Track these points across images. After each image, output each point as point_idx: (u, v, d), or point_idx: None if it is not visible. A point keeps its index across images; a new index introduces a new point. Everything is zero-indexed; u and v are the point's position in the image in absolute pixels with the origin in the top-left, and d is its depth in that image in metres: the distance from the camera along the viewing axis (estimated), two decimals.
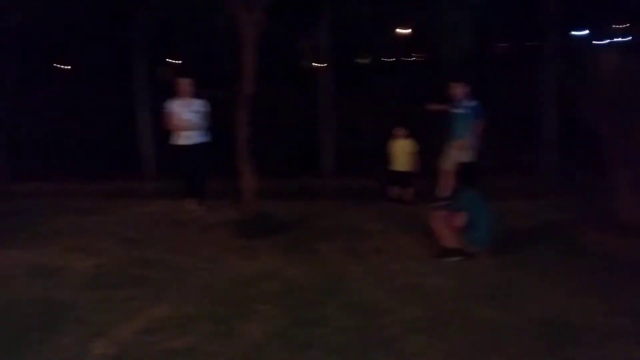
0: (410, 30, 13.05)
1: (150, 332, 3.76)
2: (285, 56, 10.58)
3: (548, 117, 7.91)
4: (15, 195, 8.56)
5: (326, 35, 7.84)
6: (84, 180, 8.93)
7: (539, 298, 4.22)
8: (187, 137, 6.86)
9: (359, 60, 17.69)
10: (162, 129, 6.93)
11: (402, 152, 7.74)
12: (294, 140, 9.15)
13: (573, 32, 13.65)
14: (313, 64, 9.34)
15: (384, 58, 17.62)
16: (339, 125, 9.17)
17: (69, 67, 12.35)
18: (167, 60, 11.10)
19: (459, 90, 6.81)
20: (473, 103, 6.86)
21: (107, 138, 9.95)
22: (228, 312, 4.08)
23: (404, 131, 7.74)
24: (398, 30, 13.15)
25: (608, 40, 5.29)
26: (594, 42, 5.68)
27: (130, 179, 8.91)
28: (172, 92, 6.90)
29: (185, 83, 6.91)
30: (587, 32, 13.08)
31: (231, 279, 4.76)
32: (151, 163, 8.73)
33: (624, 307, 3.99)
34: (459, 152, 6.84)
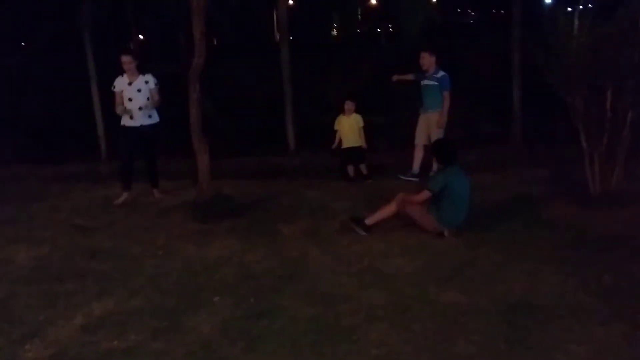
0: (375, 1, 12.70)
1: (89, 331, 3.49)
2: (251, 30, 10.19)
3: (515, 86, 7.69)
4: None
5: (284, 7, 7.44)
6: (36, 163, 8.45)
7: (504, 278, 4.04)
8: (131, 118, 6.26)
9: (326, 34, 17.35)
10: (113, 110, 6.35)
11: (352, 127, 7.09)
12: (258, 117, 8.79)
13: None
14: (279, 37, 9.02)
15: (350, 31, 17.36)
16: (303, 101, 8.86)
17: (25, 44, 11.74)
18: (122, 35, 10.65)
19: (427, 60, 6.64)
20: (441, 73, 6.67)
21: (61, 119, 9.44)
22: (176, 305, 3.83)
23: (354, 105, 7.14)
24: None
25: (578, 7, 5.11)
26: (562, 8, 5.51)
27: (85, 162, 8.46)
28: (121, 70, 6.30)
29: (126, 61, 6.21)
30: None
31: (182, 268, 4.49)
32: (103, 144, 8.29)
33: (590, 285, 3.83)
34: (441, 127, 6.67)
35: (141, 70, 6.29)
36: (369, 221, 5.09)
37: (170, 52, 11.23)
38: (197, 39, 5.28)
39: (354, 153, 7.07)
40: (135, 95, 6.23)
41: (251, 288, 4.04)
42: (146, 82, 6.27)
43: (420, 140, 6.98)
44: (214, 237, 5.18)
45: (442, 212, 4.92)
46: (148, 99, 6.26)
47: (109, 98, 8.37)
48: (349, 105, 7.10)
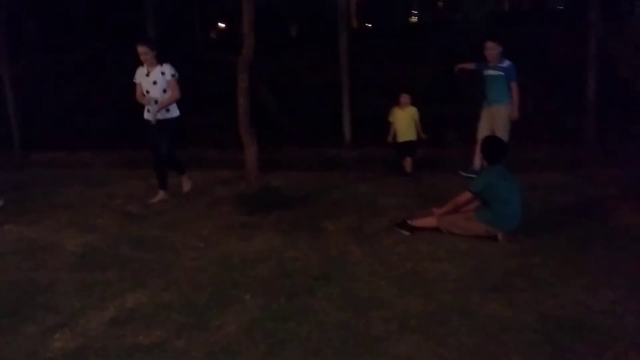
0: None
1: (118, 324, 3.48)
2: (311, 18, 10.02)
3: (590, 78, 7.08)
4: (29, 165, 8.48)
5: None
6: (101, 149, 8.73)
7: (557, 291, 3.69)
8: (149, 112, 5.88)
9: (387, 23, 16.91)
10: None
11: (407, 121, 6.78)
12: (317, 107, 8.63)
13: None
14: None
15: (414, 19, 16.77)
16: (367, 90, 8.61)
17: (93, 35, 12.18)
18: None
19: (493, 50, 6.19)
20: (507, 62, 6.22)
21: (123, 107, 9.67)
22: (207, 301, 3.76)
23: (409, 98, 6.82)
24: None
25: None
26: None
27: (146, 149, 8.62)
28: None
29: (142, 52, 5.76)
30: None
31: (220, 261, 4.43)
32: None
33: None
34: (514, 119, 6.26)
35: (160, 60, 5.88)
36: (414, 222, 4.85)
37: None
38: (245, 29, 5.18)
39: (409, 147, 6.80)
40: (152, 87, 5.84)
41: (285, 287, 3.91)
42: (162, 74, 5.82)
43: (482, 135, 6.58)
44: (257, 230, 5.10)
45: (493, 214, 4.59)
46: (165, 91, 5.83)
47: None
48: (404, 98, 6.80)
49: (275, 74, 9.63)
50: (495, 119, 6.36)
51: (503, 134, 6.27)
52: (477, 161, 6.51)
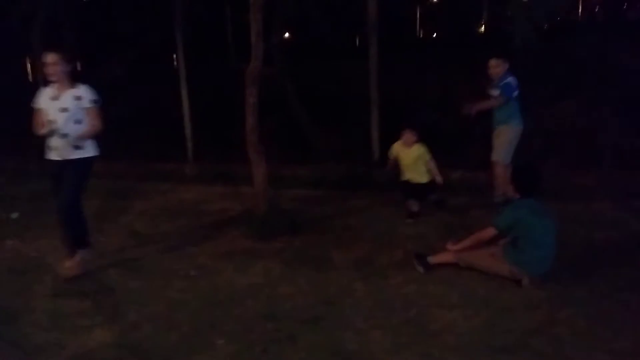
0: None
1: None
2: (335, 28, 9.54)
3: None
4: None
5: (374, 1, 6.70)
6: (130, 161, 8.58)
7: (583, 357, 3.07)
8: (54, 149, 4.33)
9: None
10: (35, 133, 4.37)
11: (414, 161, 5.66)
12: (343, 123, 8.17)
13: None
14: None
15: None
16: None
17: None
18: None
19: (499, 68, 5.57)
20: (506, 80, 5.54)
21: (155, 120, 9.55)
22: (177, 344, 3.38)
23: (415, 135, 5.62)
24: None
25: None
26: None
27: (173, 162, 8.42)
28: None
29: (50, 61, 4.21)
30: None
31: (208, 295, 4.05)
32: (190, 146, 8.17)
33: None
34: (510, 142, 5.64)
35: (75, 80, 4.37)
36: (432, 259, 4.31)
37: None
38: (253, 40, 4.80)
39: (419, 189, 5.69)
40: (59, 116, 4.24)
41: (266, 332, 3.48)
42: (77, 98, 4.27)
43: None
44: (257, 259, 4.69)
45: (520, 255, 3.98)
46: (77, 122, 4.28)
47: (195, 102, 8.38)
48: (407, 136, 5.63)
49: (309, 86, 9.22)
50: (495, 138, 5.77)
51: (498, 152, 5.70)
52: (499, 186, 5.82)
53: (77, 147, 4.32)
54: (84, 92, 4.33)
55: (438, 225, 5.33)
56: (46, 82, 4.44)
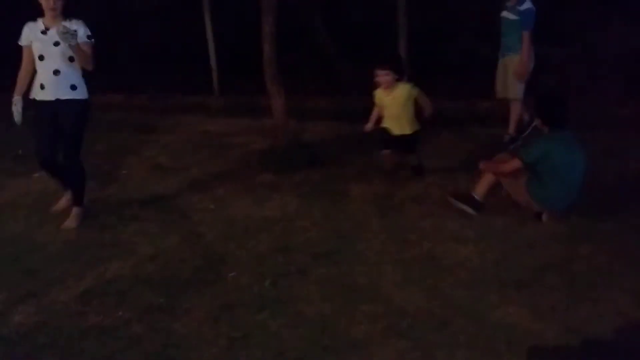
0: None
1: (87, 299, 3.26)
2: None
3: None
4: None
5: None
6: (156, 92, 8.54)
7: (598, 294, 2.98)
8: (44, 89, 3.99)
9: None
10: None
11: (396, 105, 4.58)
12: (371, 52, 7.85)
13: None
14: None
15: None
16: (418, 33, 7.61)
17: None
18: None
19: None
20: (526, 5, 5.03)
21: (184, 49, 9.40)
22: (189, 277, 3.43)
23: (391, 74, 4.48)
24: None
25: None
26: None
27: (200, 95, 8.34)
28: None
29: None
30: None
31: (223, 228, 4.08)
32: (215, 78, 8.06)
33: None
34: (521, 78, 5.23)
35: (67, 13, 4.00)
36: (479, 194, 4.02)
37: None
38: None
39: (399, 141, 4.71)
40: (51, 51, 3.93)
41: (277, 265, 3.50)
42: (68, 31, 3.79)
43: (502, 94, 5.47)
44: (275, 192, 4.67)
45: (540, 189, 3.81)
46: (71, 59, 3.97)
47: (222, 31, 8.15)
48: (381, 77, 4.49)
49: (337, 13, 8.86)
50: (507, 70, 5.31)
51: (513, 90, 5.29)
52: (512, 125, 5.49)
53: (72, 87, 4.00)
54: (77, 26, 3.94)
55: (463, 158, 5.17)
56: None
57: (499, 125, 5.79)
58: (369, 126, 4.77)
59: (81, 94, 4.06)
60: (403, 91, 4.56)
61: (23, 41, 4.02)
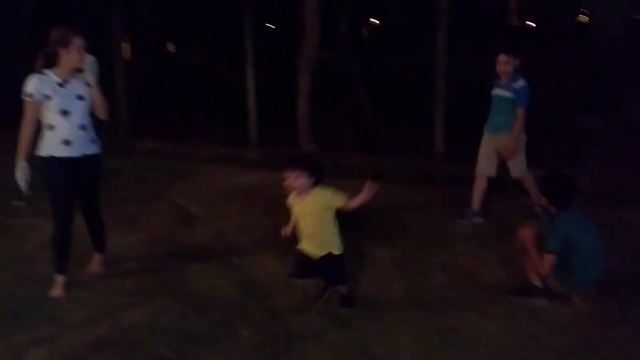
0: None
1: (100, 347, 3.21)
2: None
3: None
4: (132, 153, 8.71)
5: None
6: (196, 142, 8.74)
7: None
8: (69, 145, 3.74)
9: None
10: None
11: (311, 216, 3.70)
12: (409, 114, 7.91)
13: None
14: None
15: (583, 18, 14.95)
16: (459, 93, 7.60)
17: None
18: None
19: (508, 65, 4.95)
20: (521, 83, 4.95)
21: (227, 102, 9.66)
22: (205, 331, 3.38)
23: (306, 175, 3.62)
24: None
25: None
26: None
27: (242, 145, 8.48)
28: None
29: (77, 43, 3.66)
30: None
31: (245, 284, 4.04)
32: (254, 131, 8.19)
33: None
34: (509, 156, 5.08)
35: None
36: (537, 279, 3.71)
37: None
38: (308, 25, 4.69)
39: (318, 266, 3.68)
40: (76, 105, 3.74)
41: (294, 327, 3.41)
42: (87, 85, 3.78)
43: (485, 170, 5.25)
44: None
45: (567, 275, 3.60)
46: (90, 113, 3.86)
47: (262, 84, 8.33)
48: (292, 180, 3.58)
49: (377, 74, 9.01)
50: (500, 150, 5.14)
51: (520, 167, 5.12)
52: (476, 201, 5.27)
53: (93, 141, 3.91)
54: (88, 75, 3.80)
55: (497, 228, 5.03)
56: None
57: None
58: (287, 230, 3.85)
59: (99, 147, 3.97)
60: (319, 198, 3.62)
61: (35, 95, 3.64)
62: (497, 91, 5.12)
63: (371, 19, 18.84)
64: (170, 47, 14.60)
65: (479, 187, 5.26)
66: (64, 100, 3.69)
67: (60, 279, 3.88)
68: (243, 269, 4.31)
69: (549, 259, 3.57)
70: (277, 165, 7.39)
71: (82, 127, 3.80)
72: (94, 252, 4.26)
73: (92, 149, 3.88)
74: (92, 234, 4.21)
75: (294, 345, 3.21)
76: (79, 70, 3.75)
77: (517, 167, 5.15)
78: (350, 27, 8.33)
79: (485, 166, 5.21)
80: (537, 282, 3.70)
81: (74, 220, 3.92)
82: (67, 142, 3.74)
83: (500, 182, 5.37)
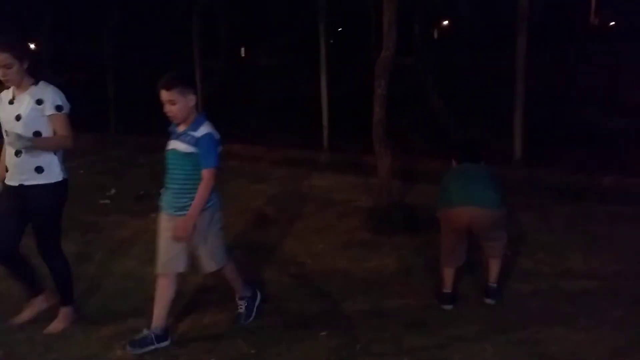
0: None
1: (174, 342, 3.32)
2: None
3: None
4: None
5: None
6: (270, 145, 8.90)
7: None
8: (6, 170, 3.33)
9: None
10: None
11: None
12: (486, 118, 7.71)
13: None
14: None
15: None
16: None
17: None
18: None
19: None
20: None
21: (300, 105, 9.79)
22: (283, 330, 3.43)
23: None
24: None
25: None
26: None
27: (315, 148, 8.56)
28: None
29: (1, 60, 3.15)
30: None
31: (320, 285, 4.08)
32: (326, 134, 8.24)
33: None
34: None
35: (37, 78, 3.31)
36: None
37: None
38: (386, 28, 4.68)
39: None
40: (13, 125, 3.22)
41: (370, 329, 3.41)
42: (38, 102, 3.23)
43: None
44: (373, 253, 4.63)
45: (446, 194, 3.69)
46: (37, 134, 3.24)
47: (336, 91, 8.38)
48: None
49: (454, 78, 8.87)
50: None
51: None
52: None
53: (38, 169, 3.26)
54: (47, 95, 3.26)
55: (576, 235, 4.83)
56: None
57: (621, 202, 5.39)
58: None
59: (52, 176, 3.30)
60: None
61: None
62: None
63: (442, 20, 18.59)
64: (242, 51, 15.07)
65: None
66: (4, 119, 3.28)
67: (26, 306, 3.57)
68: (316, 270, 4.35)
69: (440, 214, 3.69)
70: (347, 169, 7.50)
71: (17, 153, 3.23)
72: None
73: (33, 180, 3.26)
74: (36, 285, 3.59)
75: (372, 348, 3.21)
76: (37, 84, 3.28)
77: None
78: (424, 29, 8.24)
79: None
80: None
81: (14, 256, 3.39)
82: (6, 169, 3.32)
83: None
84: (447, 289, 3.71)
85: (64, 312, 3.53)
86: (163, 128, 3.40)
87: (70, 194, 3.46)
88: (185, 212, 3.13)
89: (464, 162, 3.90)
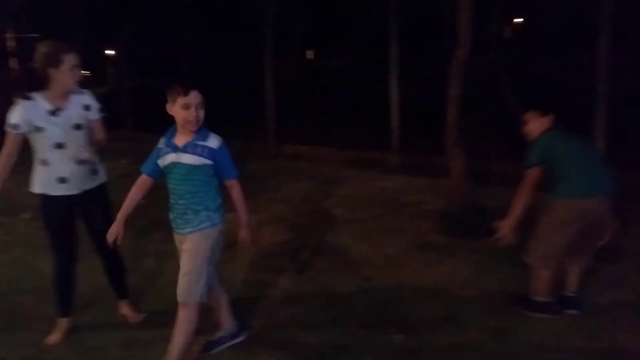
0: None
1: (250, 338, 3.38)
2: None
3: None
4: (278, 157, 9.11)
5: None
6: (345, 146, 8.90)
7: None
8: (61, 182, 3.23)
9: None
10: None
11: None
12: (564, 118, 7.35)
13: None
14: None
15: None
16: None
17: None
18: None
19: None
20: None
21: (370, 106, 9.75)
22: (357, 332, 3.42)
23: None
24: None
25: None
26: None
27: (384, 150, 8.51)
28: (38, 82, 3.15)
29: (69, 61, 3.11)
30: None
31: (393, 288, 4.04)
32: (396, 135, 8.17)
33: None
34: None
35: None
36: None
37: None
38: (462, 27, 4.59)
39: None
40: (72, 136, 3.20)
41: (446, 334, 3.35)
42: (86, 108, 3.26)
43: None
44: (447, 256, 4.55)
45: (566, 183, 3.43)
46: (88, 139, 3.30)
47: (406, 91, 8.26)
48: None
49: (531, 77, 8.57)
50: None
51: None
52: None
53: (94, 172, 3.36)
54: (90, 100, 3.30)
55: None
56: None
57: None
58: None
59: (102, 175, 3.42)
60: None
61: (22, 127, 3.10)
62: None
63: (515, 19, 17.96)
64: (309, 53, 15.21)
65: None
66: (59, 131, 3.17)
67: (62, 322, 3.43)
68: (390, 272, 4.31)
69: (530, 173, 3.52)
70: (417, 171, 7.40)
71: (81, 162, 3.26)
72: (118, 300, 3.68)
73: (93, 182, 3.34)
74: (108, 277, 3.61)
75: (448, 354, 3.15)
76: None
77: None
78: (497, 28, 8.02)
79: None
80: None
81: (75, 260, 3.40)
82: (62, 180, 3.22)
83: None
84: (544, 297, 3.49)
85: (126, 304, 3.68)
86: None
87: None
88: (192, 228, 2.91)
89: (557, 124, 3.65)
